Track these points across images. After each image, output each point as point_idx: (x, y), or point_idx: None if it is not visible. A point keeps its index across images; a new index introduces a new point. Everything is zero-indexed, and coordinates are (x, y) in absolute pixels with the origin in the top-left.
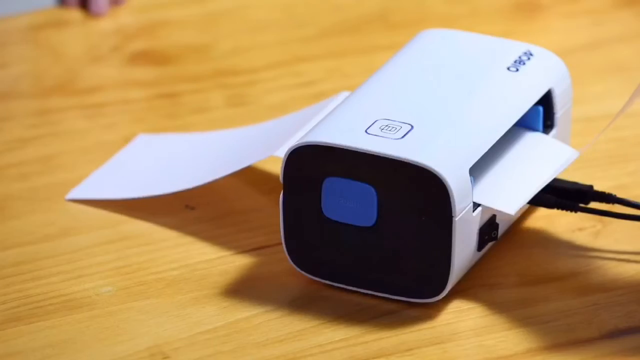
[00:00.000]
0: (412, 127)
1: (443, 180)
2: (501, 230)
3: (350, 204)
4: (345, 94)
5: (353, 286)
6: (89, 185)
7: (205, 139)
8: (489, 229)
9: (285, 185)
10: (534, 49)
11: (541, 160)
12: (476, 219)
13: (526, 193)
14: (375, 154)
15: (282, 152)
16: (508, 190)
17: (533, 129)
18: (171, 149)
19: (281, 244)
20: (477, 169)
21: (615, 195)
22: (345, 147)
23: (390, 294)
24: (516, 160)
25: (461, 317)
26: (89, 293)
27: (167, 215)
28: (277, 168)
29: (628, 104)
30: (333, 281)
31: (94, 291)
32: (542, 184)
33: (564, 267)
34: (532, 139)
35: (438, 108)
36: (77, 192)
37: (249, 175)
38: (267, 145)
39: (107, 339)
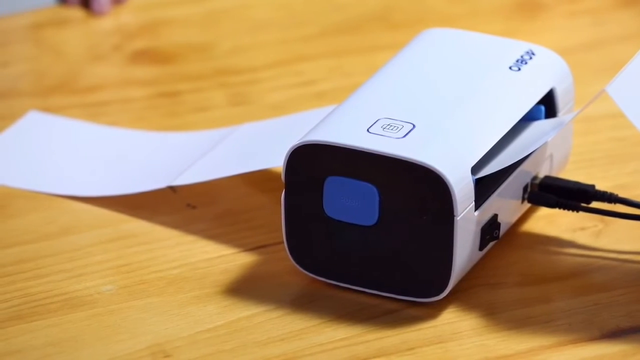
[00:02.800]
0: (414, 126)
1: (445, 180)
2: (503, 229)
3: (351, 203)
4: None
5: (354, 285)
6: None
7: (105, 135)
8: (490, 229)
9: (287, 184)
10: (535, 48)
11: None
12: (478, 219)
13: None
14: (377, 153)
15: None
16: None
17: None
18: (65, 140)
19: (282, 242)
20: (479, 169)
21: (616, 195)
22: (347, 146)
23: (392, 293)
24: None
25: (462, 316)
26: (90, 292)
27: (168, 213)
28: (278, 167)
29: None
30: (334, 280)
31: (95, 290)
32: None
33: (565, 267)
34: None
35: (440, 107)
36: None
37: (251, 174)
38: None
39: (108, 337)
